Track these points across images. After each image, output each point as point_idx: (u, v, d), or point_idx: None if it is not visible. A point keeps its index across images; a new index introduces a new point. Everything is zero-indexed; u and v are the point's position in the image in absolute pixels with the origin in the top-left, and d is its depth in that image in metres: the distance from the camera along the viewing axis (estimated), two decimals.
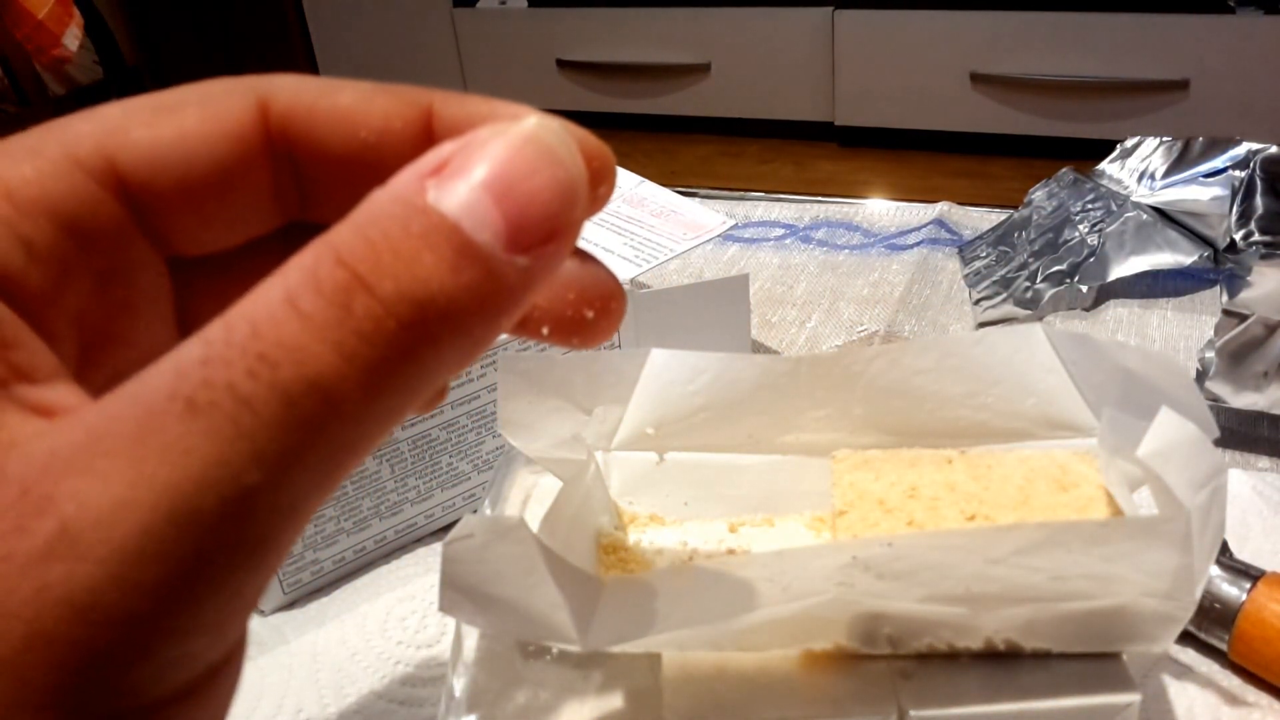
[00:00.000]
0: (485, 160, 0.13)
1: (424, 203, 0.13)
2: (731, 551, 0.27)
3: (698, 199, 0.63)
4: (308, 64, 2.59)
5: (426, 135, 0.17)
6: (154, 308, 0.17)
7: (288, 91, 0.16)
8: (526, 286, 0.13)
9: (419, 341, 0.13)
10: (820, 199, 0.68)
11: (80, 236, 0.15)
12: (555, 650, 0.24)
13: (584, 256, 0.18)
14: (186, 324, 0.18)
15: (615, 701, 0.23)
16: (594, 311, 0.18)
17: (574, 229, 0.14)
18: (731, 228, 0.45)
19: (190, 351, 0.12)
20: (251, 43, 2.63)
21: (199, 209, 0.16)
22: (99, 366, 0.16)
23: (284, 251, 0.18)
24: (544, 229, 0.13)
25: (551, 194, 0.13)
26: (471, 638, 0.25)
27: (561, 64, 2.32)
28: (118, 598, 0.11)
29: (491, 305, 0.13)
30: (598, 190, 0.17)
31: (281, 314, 0.12)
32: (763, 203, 0.69)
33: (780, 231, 0.65)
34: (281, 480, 0.12)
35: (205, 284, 0.18)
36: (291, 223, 0.18)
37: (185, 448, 0.11)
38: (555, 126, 0.14)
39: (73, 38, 1.85)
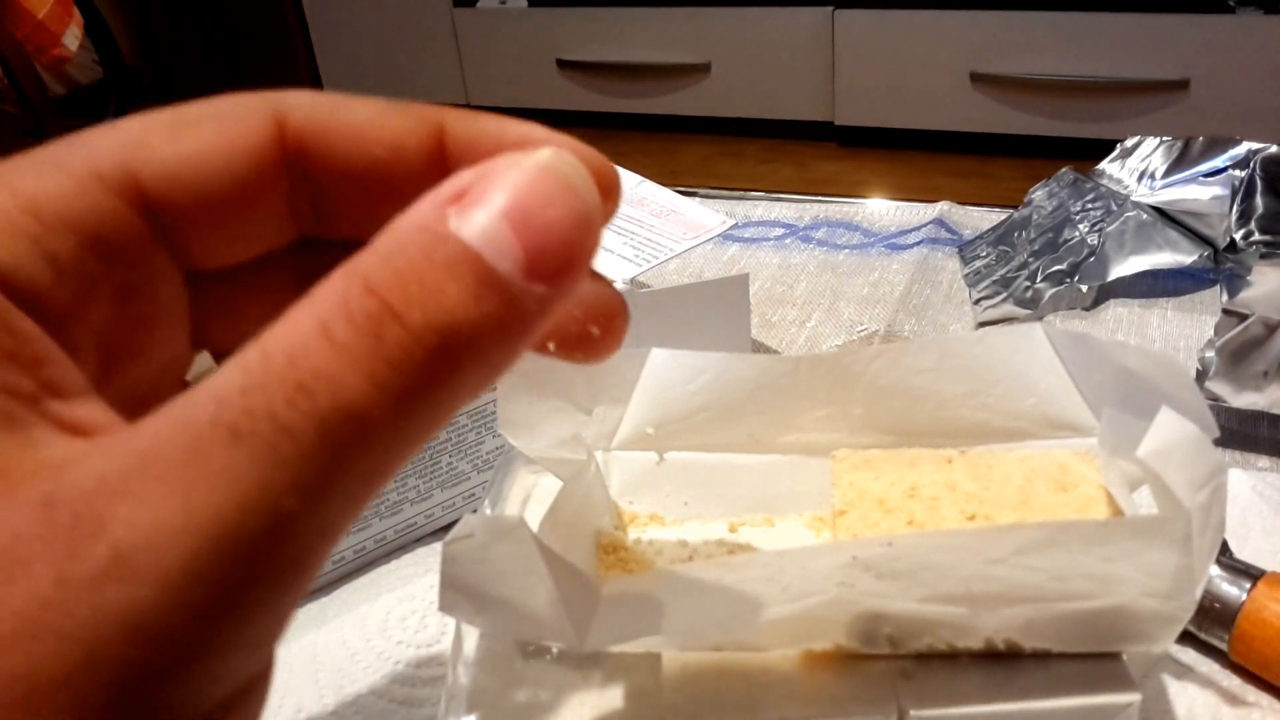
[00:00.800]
0: (504, 189, 0.14)
1: (446, 230, 0.13)
2: (731, 551, 0.27)
3: (698, 199, 0.63)
4: (308, 64, 2.59)
5: (439, 153, 0.17)
6: (171, 320, 0.17)
7: (304, 109, 0.17)
8: (544, 314, 0.14)
9: (444, 369, 0.13)
10: (820, 199, 0.68)
11: (103, 251, 0.15)
12: (555, 650, 0.24)
13: (591, 275, 0.18)
14: (199, 336, 0.18)
15: (615, 701, 0.23)
16: (599, 329, 0.18)
17: (589, 257, 0.14)
18: (731, 228, 0.45)
19: (229, 380, 0.12)
20: (252, 43, 2.63)
21: (218, 223, 0.16)
22: (115, 378, 0.16)
23: (294, 266, 0.18)
24: (561, 258, 0.14)
25: (569, 224, 0.14)
26: (471, 638, 0.25)
27: (561, 64, 2.32)
28: (168, 619, 0.12)
29: (511, 333, 0.14)
30: (606, 206, 0.17)
31: (315, 343, 0.12)
32: (763, 203, 0.69)
33: (780, 231, 0.65)
34: (317, 505, 0.12)
35: (217, 296, 0.18)
36: (303, 237, 0.18)
37: (230, 475, 0.12)
38: (570, 158, 0.15)
39: (73, 38, 1.85)
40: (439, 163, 0.17)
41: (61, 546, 0.12)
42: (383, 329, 0.13)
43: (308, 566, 0.13)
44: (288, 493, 0.12)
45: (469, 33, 2.38)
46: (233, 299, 0.18)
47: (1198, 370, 0.42)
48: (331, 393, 0.12)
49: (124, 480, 0.12)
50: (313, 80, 2.59)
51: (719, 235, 0.44)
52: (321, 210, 0.18)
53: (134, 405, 0.14)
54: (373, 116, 0.17)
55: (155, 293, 0.16)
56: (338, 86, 2.57)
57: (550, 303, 0.14)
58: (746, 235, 0.64)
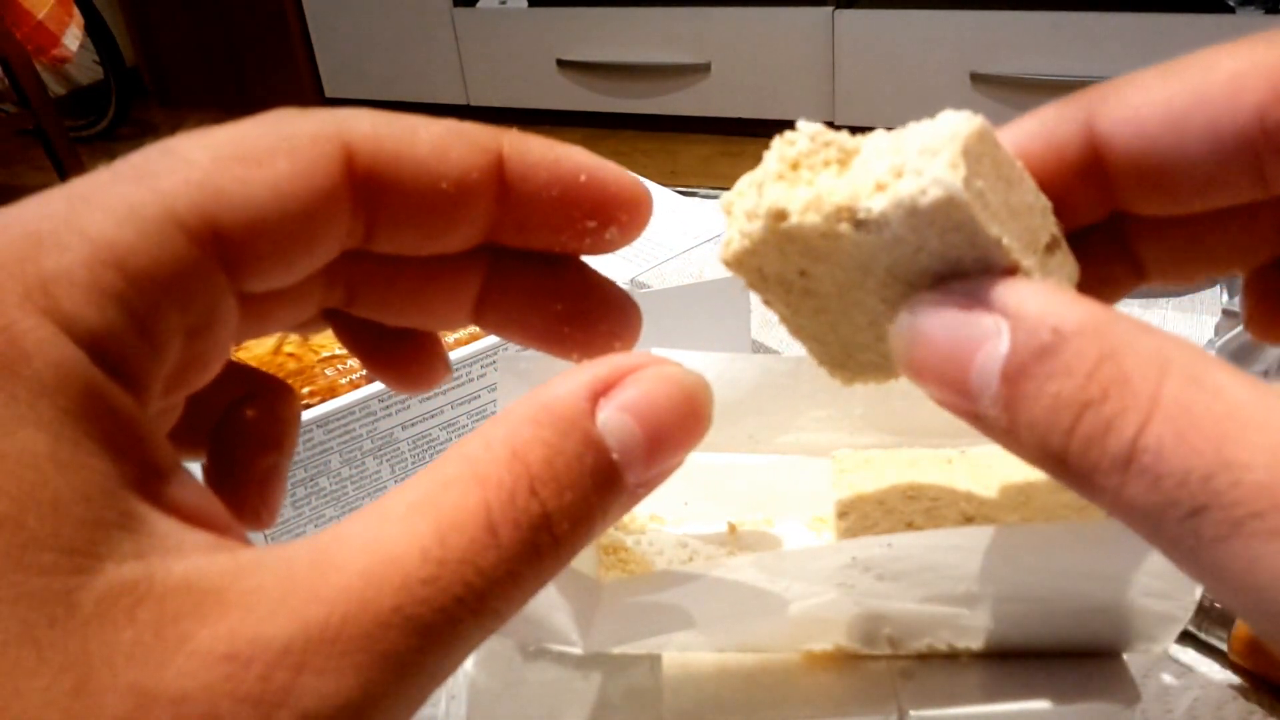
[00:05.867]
0: (648, 404, 0.16)
1: (596, 435, 0.16)
2: (732, 552, 0.27)
3: (698, 199, 0.63)
4: (308, 65, 2.59)
5: (497, 177, 0.18)
6: (223, 351, 0.17)
7: (370, 141, 0.17)
8: (638, 501, 0.17)
9: (562, 552, 0.15)
10: None
11: (181, 301, 0.15)
12: (555, 650, 0.24)
13: (615, 290, 0.21)
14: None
15: (615, 701, 0.23)
16: (621, 343, 0.21)
17: (682, 461, 0.17)
18: None
19: (409, 561, 0.14)
20: (252, 43, 2.63)
21: (284, 259, 0.16)
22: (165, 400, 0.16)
23: (327, 271, 0.18)
24: (671, 470, 0.17)
25: (690, 445, 0.17)
26: None
27: (561, 64, 2.32)
28: None
29: (616, 519, 0.16)
30: (637, 219, 0.20)
31: (484, 540, 0.14)
32: None
33: None
34: (434, 687, 0.15)
35: (252, 304, 0.18)
36: (346, 251, 0.18)
37: (402, 660, 0.14)
38: (701, 379, 0.17)
39: (73, 38, 1.85)
40: (497, 187, 0.18)
41: (250, 709, 0.13)
42: (539, 537, 0.15)
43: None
44: (432, 683, 0.14)
45: (469, 33, 2.39)
46: (267, 307, 0.18)
47: None
48: (489, 594, 0.14)
49: (308, 651, 0.13)
50: (313, 79, 2.59)
51: (719, 235, 0.44)
52: (373, 231, 0.18)
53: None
54: (437, 149, 0.17)
55: (218, 330, 0.16)
56: (338, 86, 2.57)
57: (646, 494, 0.17)
58: None
